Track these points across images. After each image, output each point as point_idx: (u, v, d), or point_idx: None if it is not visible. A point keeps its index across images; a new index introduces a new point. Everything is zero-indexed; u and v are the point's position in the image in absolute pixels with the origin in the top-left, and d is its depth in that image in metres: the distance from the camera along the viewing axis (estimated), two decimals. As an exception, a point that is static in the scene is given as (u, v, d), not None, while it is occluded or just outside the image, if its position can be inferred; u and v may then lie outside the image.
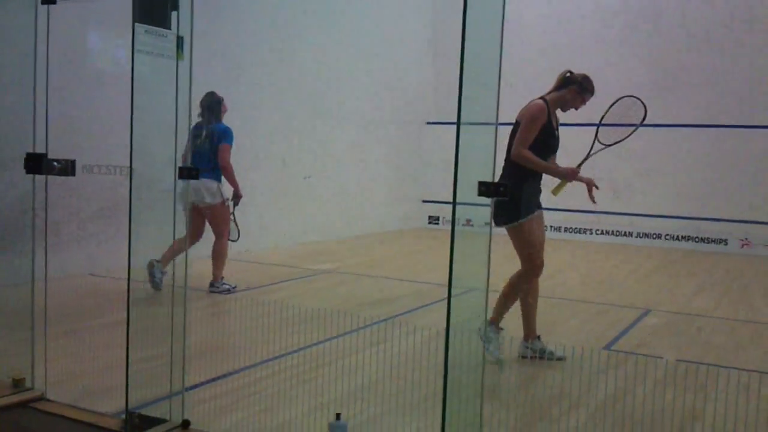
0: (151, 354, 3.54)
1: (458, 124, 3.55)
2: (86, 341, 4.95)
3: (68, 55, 7.20)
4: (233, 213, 7.05)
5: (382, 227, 12.72)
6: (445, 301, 3.65)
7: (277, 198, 10.38)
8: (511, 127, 4.98)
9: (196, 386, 4.08)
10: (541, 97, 4.98)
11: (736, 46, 11.36)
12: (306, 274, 8.16)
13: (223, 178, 6.87)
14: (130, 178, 3.51)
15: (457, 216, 4.58)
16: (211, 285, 6.89)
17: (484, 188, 3.40)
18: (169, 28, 3.52)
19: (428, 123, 13.65)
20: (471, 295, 4.03)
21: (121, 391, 3.45)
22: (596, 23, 12.37)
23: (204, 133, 6.80)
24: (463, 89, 3.46)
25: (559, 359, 4.84)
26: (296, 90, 10.63)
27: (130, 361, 3.44)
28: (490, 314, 4.76)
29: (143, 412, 3.49)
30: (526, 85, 12.64)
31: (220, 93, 7.72)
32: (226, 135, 6.86)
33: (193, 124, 6.68)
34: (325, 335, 5.17)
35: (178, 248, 3.75)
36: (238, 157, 9.49)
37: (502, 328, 4.83)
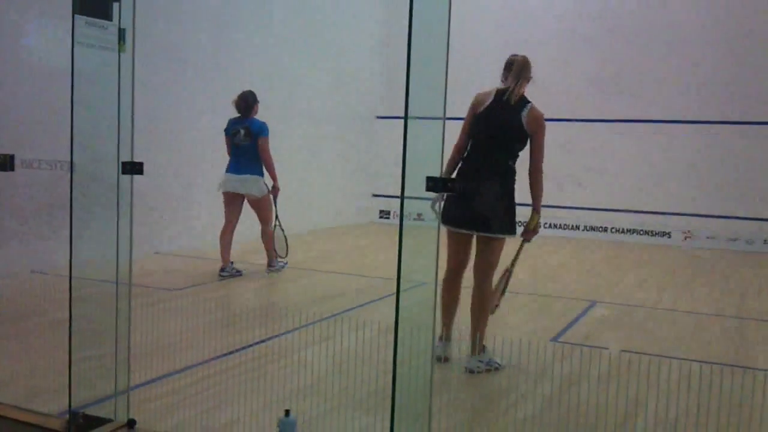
0: (95, 353, 3.46)
1: (405, 118, 3.55)
2: (29, 341, 4.82)
3: (5, 47, 6.98)
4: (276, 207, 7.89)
5: (332, 222, 12.69)
6: (395, 296, 3.65)
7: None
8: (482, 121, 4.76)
9: (141, 385, 4.01)
10: (529, 100, 4.79)
11: (681, 44, 11.62)
12: (254, 270, 8.08)
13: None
14: (71, 174, 3.42)
15: (407, 210, 4.58)
16: (269, 265, 7.88)
17: (432, 183, 3.40)
18: (111, 20, 3.44)
19: (378, 117, 13.65)
20: (420, 290, 4.04)
21: (66, 391, 3.37)
22: (545, 21, 12.50)
23: (242, 130, 7.58)
24: (410, 84, 3.45)
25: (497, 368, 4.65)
26: (243, 85, 10.47)
27: (73, 360, 3.35)
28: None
29: (88, 411, 3.41)
30: (477, 82, 12.79)
31: (162, 88, 7.73)
32: (263, 129, 7.68)
33: (228, 121, 7.86)
34: (273, 332, 5.13)
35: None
36: (184, 151, 9.38)
37: (484, 346, 4.76)
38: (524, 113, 4.63)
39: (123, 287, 3.51)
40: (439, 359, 4.66)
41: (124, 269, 3.53)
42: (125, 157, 3.54)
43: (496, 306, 4.88)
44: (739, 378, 4.28)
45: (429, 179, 3.42)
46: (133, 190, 3.57)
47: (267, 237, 7.82)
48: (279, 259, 7.89)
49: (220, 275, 7.45)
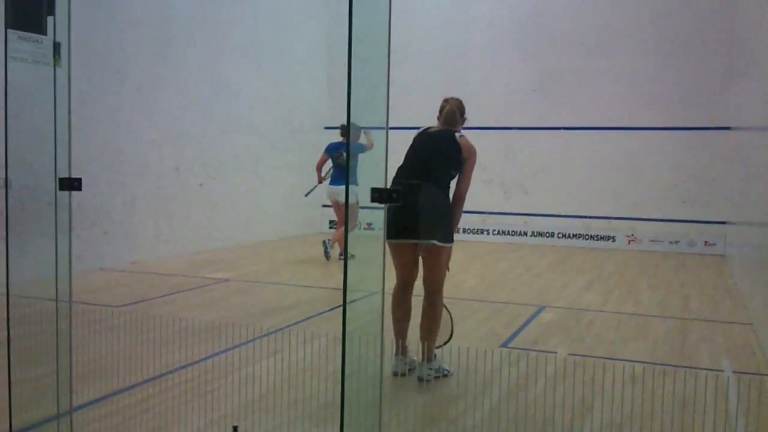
0: (35, 373, 3.36)
1: (348, 129, 3.55)
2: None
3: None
4: None
5: (281, 233, 12.61)
6: (348, 306, 3.63)
7: (171, 206, 10.09)
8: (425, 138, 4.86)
9: (85, 405, 3.91)
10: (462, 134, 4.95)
11: (619, 52, 11.90)
12: (201, 284, 7.96)
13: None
14: (6, 190, 3.32)
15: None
16: (340, 255, 9.71)
17: (377, 194, 3.40)
18: (45, 34, 3.35)
19: (326, 128, 13.62)
20: (368, 300, 4.02)
21: (6, 413, 3.26)
22: (486, 30, 12.67)
23: (344, 152, 9.22)
24: (352, 94, 3.45)
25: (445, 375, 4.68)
26: (187, 95, 10.38)
27: (12, 381, 3.25)
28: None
29: (28, 434, 3.31)
30: (419, 92, 12.88)
31: (102, 101, 7.73)
32: (362, 151, 8.53)
33: (330, 143, 10.01)
34: (219, 347, 5.05)
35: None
36: (125, 164, 9.21)
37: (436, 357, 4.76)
38: (457, 142, 4.83)
39: (63, 305, 3.41)
40: (395, 374, 4.65)
41: (64, 287, 3.44)
42: (63, 173, 3.45)
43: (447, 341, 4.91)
44: (682, 379, 4.37)
45: (374, 190, 3.42)
46: (71, 206, 3.48)
47: (341, 235, 9.58)
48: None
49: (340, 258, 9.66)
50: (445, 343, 4.86)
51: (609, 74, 11.98)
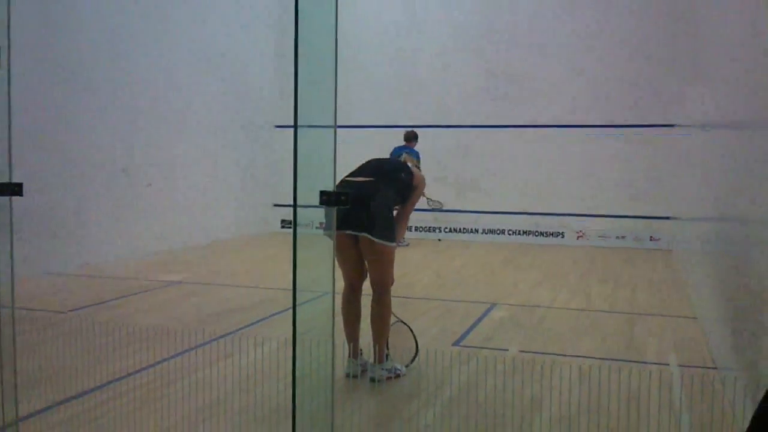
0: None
1: (295, 127, 3.52)
2: None
3: None
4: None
5: (233, 233, 12.49)
6: (298, 308, 3.60)
7: (120, 208, 9.91)
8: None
9: (31, 415, 3.81)
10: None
11: (567, 52, 12.08)
12: (152, 287, 7.83)
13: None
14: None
15: (305, 220, 4.54)
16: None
17: (326, 197, 3.38)
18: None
19: (277, 126, 13.54)
20: (318, 302, 4.01)
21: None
22: (437, 29, 12.73)
23: (404, 154, 9.49)
24: (299, 92, 3.43)
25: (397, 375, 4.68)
26: (135, 95, 10.20)
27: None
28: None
29: (-31, 448, 3.21)
30: (369, 90, 12.89)
31: (48, 100, 7.51)
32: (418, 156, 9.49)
33: (394, 147, 10.50)
34: (170, 352, 4.98)
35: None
36: (73, 166, 9.01)
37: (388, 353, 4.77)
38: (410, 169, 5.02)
39: (6, 311, 3.32)
40: (348, 376, 4.64)
41: (5, 292, 3.35)
42: (3, 178, 3.35)
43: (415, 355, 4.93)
44: (631, 374, 4.46)
45: (322, 193, 3.40)
46: (12, 210, 3.39)
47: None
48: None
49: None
50: (413, 360, 4.87)
51: (559, 74, 12.16)
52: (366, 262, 4.69)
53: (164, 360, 4.84)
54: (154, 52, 10.50)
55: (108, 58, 9.65)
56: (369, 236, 4.50)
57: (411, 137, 11.21)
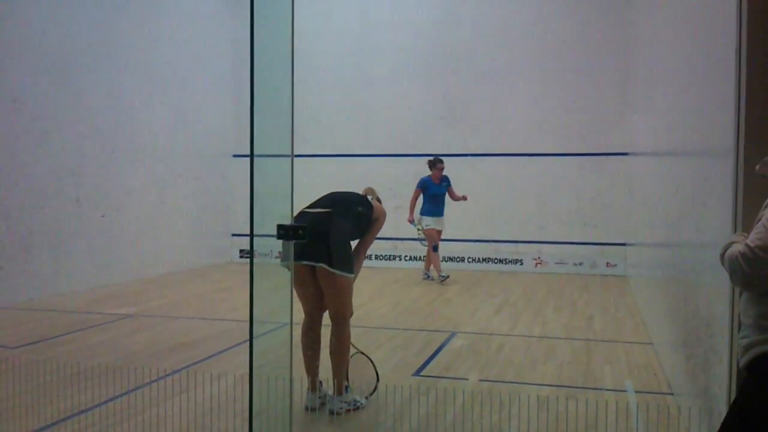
0: None
1: (251, 156, 3.49)
2: None
3: None
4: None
5: (189, 264, 12.29)
6: (255, 340, 3.53)
7: (72, 239, 9.68)
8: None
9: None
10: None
11: (521, 80, 12.28)
12: (102, 321, 7.64)
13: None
14: None
15: (263, 250, 4.47)
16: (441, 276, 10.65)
17: (283, 231, 3.34)
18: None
19: (235, 156, 13.45)
20: (277, 334, 3.94)
21: None
22: (390, 57, 12.83)
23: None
24: (255, 121, 3.41)
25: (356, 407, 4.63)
26: (88, 124, 10.04)
27: None
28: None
29: None
30: (324, 119, 12.91)
31: None
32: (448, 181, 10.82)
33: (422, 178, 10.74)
34: (122, 389, 4.84)
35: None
36: (22, 196, 8.80)
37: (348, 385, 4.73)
38: (369, 202, 5.05)
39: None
40: (307, 409, 4.57)
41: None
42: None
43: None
44: (588, 401, 4.47)
45: (279, 227, 3.36)
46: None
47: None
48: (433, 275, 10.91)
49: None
50: (373, 392, 4.82)
51: (513, 103, 12.34)
52: (324, 294, 4.65)
53: (115, 398, 4.70)
54: (107, 80, 10.37)
55: (58, 87, 9.49)
56: (327, 267, 4.47)
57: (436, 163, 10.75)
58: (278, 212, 3.87)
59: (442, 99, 12.64)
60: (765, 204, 2.05)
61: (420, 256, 12.65)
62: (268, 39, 3.71)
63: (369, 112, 12.93)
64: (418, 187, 10.71)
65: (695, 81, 4.24)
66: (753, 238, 1.93)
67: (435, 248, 10.70)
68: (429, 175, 10.70)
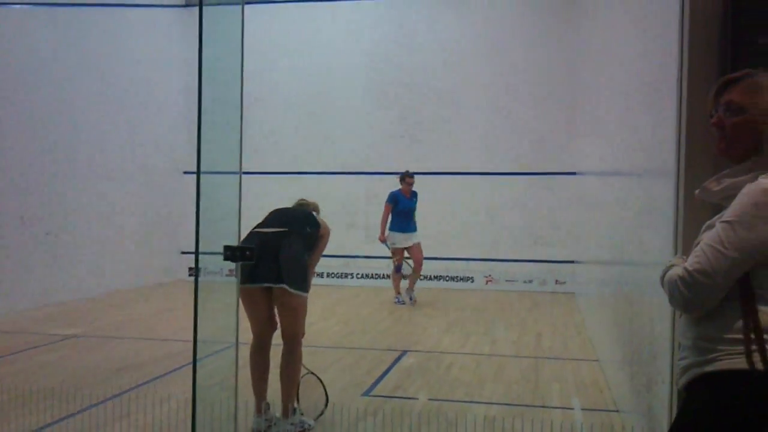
0: None
1: (198, 173, 3.44)
2: None
3: None
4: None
5: (137, 282, 12.04)
6: (199, 362, 3.45)
7: (16, 257, 9.41)
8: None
9: None
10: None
11: (472, 100, 12.42)
12: (45, 342, 7.41)
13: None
14: None
15: (213, 268, 4.40)
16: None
17: (230, 253, 3.29)
18: None
19: (185, 172, 13.26)
20: (222, 355, 3.87)
21: None
22: (344, 76, 12.85)
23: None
24: (202, 137, 3.37)
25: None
26: (34, 140, 9.80)
27: None
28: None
29: None
30: (276, 136, 12.85)
31: None
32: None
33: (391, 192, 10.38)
34: (64, 412, 4.69)
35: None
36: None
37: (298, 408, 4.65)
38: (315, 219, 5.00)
39: None
40: None
41: None
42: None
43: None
44: (534, 419, 4.49)
45: (226, 248, 3.31)
46: None
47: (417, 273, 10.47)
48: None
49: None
50: (322, 413, 4.77)
51: (465, 122, 12.46)
52: (277, 314, 4.59)
53: (56, 422, 4.55)
54: (55, 95, 10.15)
55: (3, 102, 9.26)
56: (286, 287, 4.42)
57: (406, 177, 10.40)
58: (226, 230, 3.82)
59: (395, 118, 12.69)
60: (703, 228, 2.09)
61: (372, 274, 12.64)
62: (218, 56, 3.68)
63: (323, 130, 12.91)
64: (387, 201, 10.28)
65: (638, 103, 4.33)
66: (691, 261, 1.96)
67: (398, 268, 10.33)
68: (399, 189, 10.36)
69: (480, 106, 12.42)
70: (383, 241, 10.28)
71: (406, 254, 10.36)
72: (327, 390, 4.88)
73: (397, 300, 10.37)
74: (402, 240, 10.26)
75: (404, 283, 10.49)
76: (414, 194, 10.47)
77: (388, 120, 12.71)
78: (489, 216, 12.32)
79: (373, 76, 12.78)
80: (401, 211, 10.24)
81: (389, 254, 10.61)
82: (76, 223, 10.66)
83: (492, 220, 12.31)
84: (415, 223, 10.44)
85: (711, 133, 2.13)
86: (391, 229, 10.26)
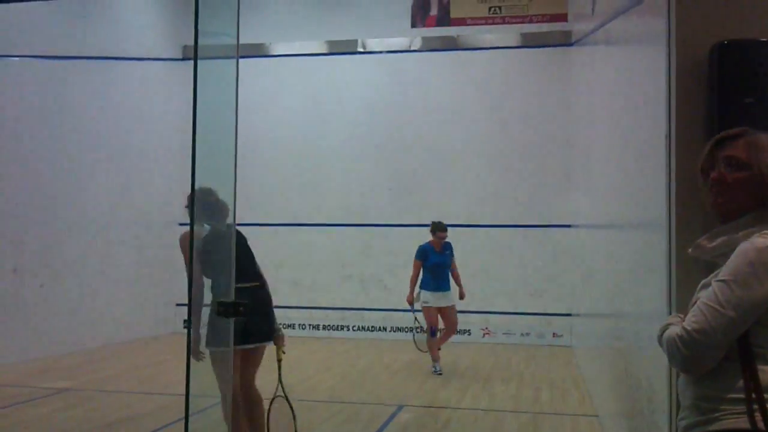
0: None
1: (191, 225, 3.45)
2: None
3: None
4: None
5: (131, 335, 11.91)
6: (194, 416, 3.40)
7: (8, 309, 9.34)
8: None
9: None
10: None
11: (467, 155, 12.53)
12: (36, 395, 7.31)
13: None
14: None
15: (204, 320, 4.35)
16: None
17: (223, 309, 3.28)
18: None
19: (180, 224, 13.26)
20: (216, 410, 3.82)
21: None
22: (340, 129, 12.97)
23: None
24: (197, 191, 3.39)
25: None
26: (28, 191, 9.83)
27: None
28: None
29: None
30: (273, 191, 12.91)
31: None
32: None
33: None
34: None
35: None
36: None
37: None
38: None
39: None
40: None
41: None
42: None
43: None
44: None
45: (220, 304, 3.30)
46: None
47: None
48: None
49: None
50: None
51: (460, 176, 12.53)
52: (241, 368, 4.50)
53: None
54: (49, 146, 10.21)
55: None
56: (272, 344, 4.41)
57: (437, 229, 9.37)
58: (220, 284, 3.80)
59: (390, 171, 12.76)
60: (700, 286, 2.09)
61: (369, 326, 12.55)
62: (212, 109, 3.72)
63: (319, 183, 12.98)
64: (416, 257, 9.11)
65: (629, 157, 4.37)
66: (690, 321, 1.95)
67: (433, 333, 9.08)
68: (429, 242, 9.26)
69: (475, 160, 12.51)
70: (411, 302, 9.05)
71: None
72: (295, 416, 4.73)
73: (434, 369, 8.97)
74: (434, 300, 9.07)
75: (420, 338, 9.30)
76: (447, 247, 9.36)
77: (382, 173, 12.77)
78: (484, 268, 12.29)
79: (367, 131, 12.88)
80: (432, 266, 9.12)
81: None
82: (69, 276, 10.61)
83: (488, 271, 12.28)
84: (449, 281, 9.33)
85: (702, 188, 2.15)
86: (423, 287, 9.10)
